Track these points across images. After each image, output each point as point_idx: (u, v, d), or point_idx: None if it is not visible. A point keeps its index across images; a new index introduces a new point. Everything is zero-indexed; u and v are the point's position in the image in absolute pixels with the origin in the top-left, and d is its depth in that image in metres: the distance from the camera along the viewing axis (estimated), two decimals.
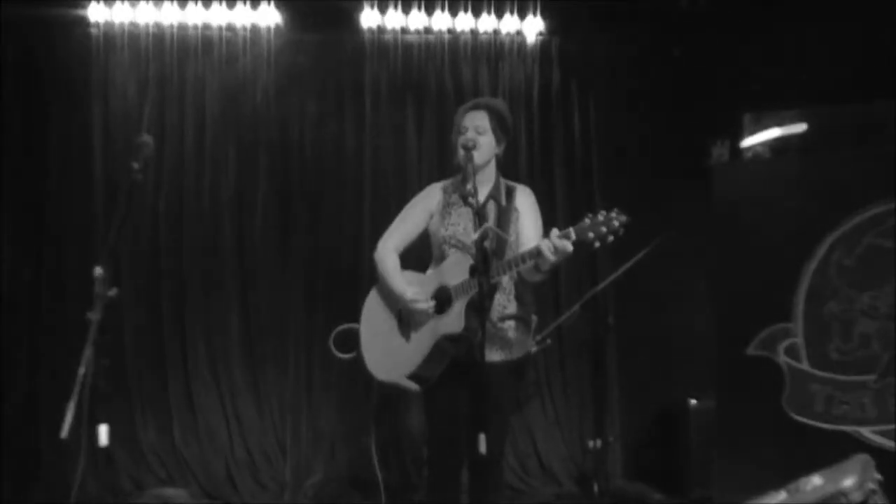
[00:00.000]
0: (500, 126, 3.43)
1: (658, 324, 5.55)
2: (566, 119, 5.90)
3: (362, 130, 5.74)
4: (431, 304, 3.32)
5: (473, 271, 3.15)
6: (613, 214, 2.94)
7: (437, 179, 3.69)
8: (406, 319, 3.43)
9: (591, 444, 5.20)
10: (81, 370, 2.51)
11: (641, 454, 5.69)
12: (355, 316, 3.64)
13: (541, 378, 5.72)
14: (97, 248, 5.18)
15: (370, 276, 3.72)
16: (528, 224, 3.42)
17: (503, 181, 3.48)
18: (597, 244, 2.95)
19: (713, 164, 4.85)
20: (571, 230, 2.99)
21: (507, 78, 5.82)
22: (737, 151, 4.86)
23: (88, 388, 2.52)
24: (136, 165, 2.79)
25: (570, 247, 2.97)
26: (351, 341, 3.60)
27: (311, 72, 5.70)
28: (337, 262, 5.65)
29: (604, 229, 2.93)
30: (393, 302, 3.46)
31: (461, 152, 3.30)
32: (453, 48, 5.77)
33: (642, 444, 5.71)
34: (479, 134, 3.37)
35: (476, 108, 3.46)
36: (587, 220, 2.97)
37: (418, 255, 3.65)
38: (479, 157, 3.34)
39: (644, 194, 5.33)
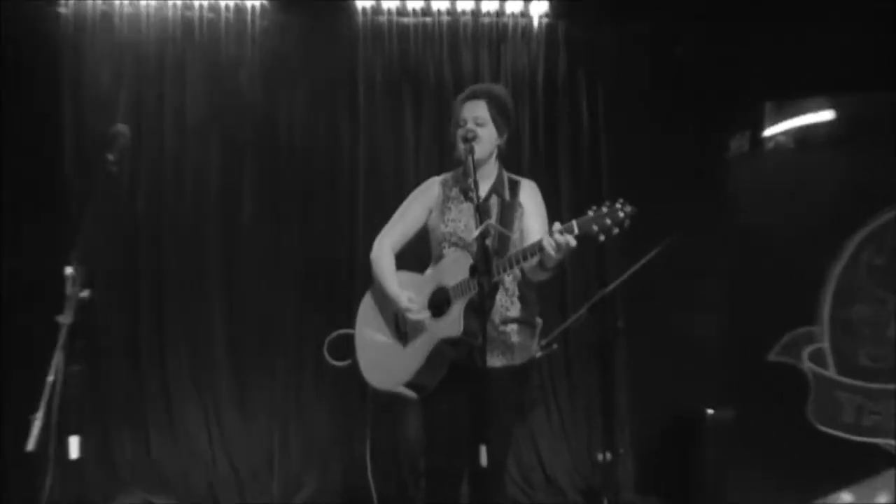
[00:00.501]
0: (501, 115, 3.42)
1: (671, 327, 5.51)
2: (573, 108, 5.88)
3: (356, 120, 5.72)
4: (426, 314, 3.29)
5: (474, 271, 3.12)
6: (618, 206, 2.95)
7: (436, 172, 3.69)
8: (402, 324, 3.41)
9: (599, 455, 5.16)
10: (51, 377, 2.46)
11: (654, 467, 5.67)
12: (348, 318, 3.63)
13: (546, 385, 5.72)
14: (69, 247, 5.13)
15: (364, 277, 3.70)
16: (533, 220, 3.41)
17: (506, 175, 3.49)
18: (602, 237, 2.95)
19: (732, 156, 4.86)
20: (574, 223, 2.98)
21: (509, 64, 5.80)
22: (757, 142, 4.86)
23: (58, 396, 2.47)
24: (111, 157, 2.75)
25: (573, 241, 2.97)
26: (345, 348, 3.58)
27: (300, 57, 5.68)
28: (328, 261, 5.63)
29: (608, 221, 2.93)
30: (389, 305, 3.43)
31: (461, 144, 3.29)
32: (453, 31, 5.75)
33: (655, 456, 5.69)
34: (478, 126, 3.36)
35: (474, 97, 3.44)
36: (591, 213, 2.97)
37: (416, 255, 3.61)
38: (479, 150, 3.31)
39: (657, 188, 5.30)
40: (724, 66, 5.48)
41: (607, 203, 2.95)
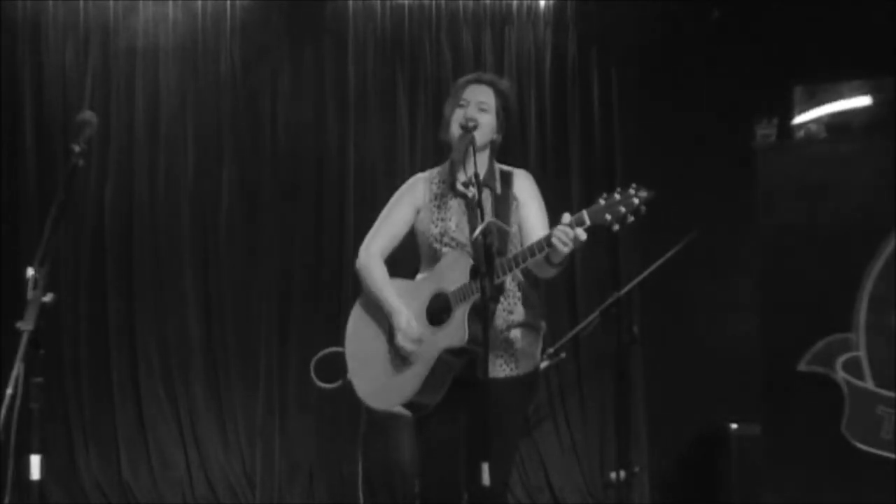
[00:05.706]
0: (504, 110, 3.41)
1: (692, 334, 5.58)
2: (584, 94, 5.90)
3: (344, 110, 5.74)
4: (423, 332, 3.24)
5: (475, 273, 3.10)
6: (632, 191, 2.93)
7: (434, 167, 3.65)
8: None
9: (612, 474, 5.16)
10: (9, 391, 2.44)
11: (673, 487, 5.69)
12: (336, 324, 3.59)
13: (554, 398, 5.73)
14: (30, 246, 5.12)
15: (354, 279, 3.66)
16: (532, 212, 3.38)
17: (497, 165, 3.46)
18: (615, 227, 2.93)
19: (758, 146, 4.82)
20: (585, 214, 2.96)
21: (514, 46, 5.83)
22: (786, 130, 4.82)
23: (17, 411, 2.45)
24: (76, 148, 2.72)
25: (583, 235, 2.95)
26: (336, 367, 3.53)
27: (283, 39, 5.68)
28: (315, 263, 5.69)
29: (622, 209, 2.92)
30: (383, 316, 3.39)
31: (457, 132, 3.27)
32: (451, 11, 5.75)
33: (674, 475, 5.71)
34: (481, 111, 3.34)
35: (481, 82, 3.43)
36: (602, 201, 2.96)
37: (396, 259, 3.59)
38: (477, 136, 3.28)
39: (676, 182, 5.32)
40: (750, 45, 5.46)
41: (619, 189, 2.94)
